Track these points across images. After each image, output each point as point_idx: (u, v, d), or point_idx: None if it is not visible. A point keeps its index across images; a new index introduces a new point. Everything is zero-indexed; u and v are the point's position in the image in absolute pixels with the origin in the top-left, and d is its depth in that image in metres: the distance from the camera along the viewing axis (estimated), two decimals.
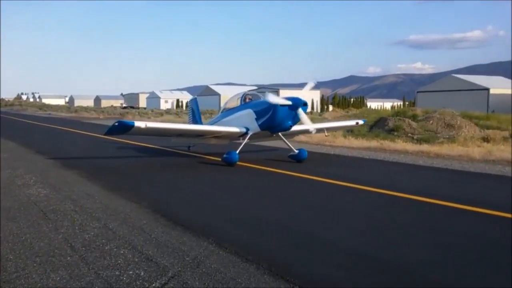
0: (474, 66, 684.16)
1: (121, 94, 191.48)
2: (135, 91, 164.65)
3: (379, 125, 27.08)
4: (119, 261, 5.73)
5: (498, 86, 68.16)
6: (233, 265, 5.60)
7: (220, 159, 14.76)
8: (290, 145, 15.50)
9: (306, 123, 13.86)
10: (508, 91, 65.25)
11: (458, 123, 24.39)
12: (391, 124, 25.96)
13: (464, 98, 60.28)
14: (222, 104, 17.15)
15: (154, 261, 5.75)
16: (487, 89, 63.90)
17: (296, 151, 15.26)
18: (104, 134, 13.96)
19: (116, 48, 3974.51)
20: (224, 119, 16.04)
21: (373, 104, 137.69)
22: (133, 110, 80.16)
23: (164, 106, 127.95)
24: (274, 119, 13.97)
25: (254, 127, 14.56)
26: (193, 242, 6.48)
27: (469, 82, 68.21)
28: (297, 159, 15.11)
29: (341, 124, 19.98)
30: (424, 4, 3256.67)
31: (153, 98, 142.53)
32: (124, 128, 12.82)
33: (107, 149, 19.53)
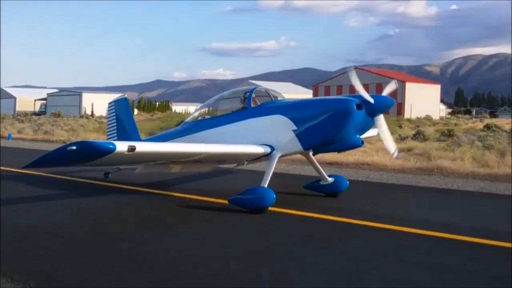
0: (269, 73, 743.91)
1: None
2: None
3: None
4: None
5: (289, 91, 75.66)
6: None
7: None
8: (322, 170, 10.26)
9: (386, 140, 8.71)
10: (298, 96, 72.95)
11: None
12: None
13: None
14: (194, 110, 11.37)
15: None
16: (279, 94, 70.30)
17: (330, 180, 10.12)
18: (32, 166, 7.74)
19: None
20: (205, 132, 10.11)
21: (178, 108, 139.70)
22: None
23: None
24: (340, 131, 8.60)
25: (287, 144, 9.02)
26: None
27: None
28: (329, 192, 10.08)
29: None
30: (225, 15, 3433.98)
31: None
32: (90, 154, 7.10)
33: None
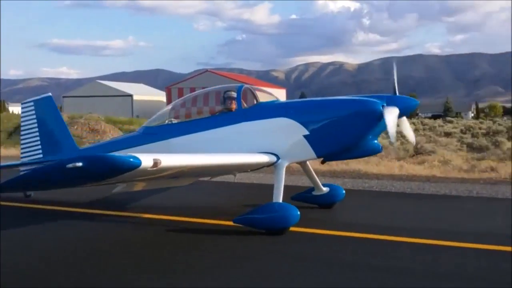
0: (120, 73, 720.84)
1: None
2: None
3: (19, 131, 25.03)
4: None
5: (141, 93, 73.43)
6: None
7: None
8: (317, 179, 9.24)
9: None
10: (151, 98, 71.09)
11: (102, 127, 24.78)
12: None
13: (109, 103, 62.34)
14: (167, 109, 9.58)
15: None
16: (131, 96, 67.93)
17: (326, 190, 9.23)
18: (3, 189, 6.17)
19: None
20: (180, 139, 8.45)
21: (16, 108, 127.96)
22: None
23: None
24: (363, 136, 7.85)
25: (296, 151, 7.96)
26: None
27: (114, 88, 71.19)
28: (324, 203, 9.23)
29: None
30: (65, 9, 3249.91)
31: None
32: (104, 172, 5.56)
33: None
